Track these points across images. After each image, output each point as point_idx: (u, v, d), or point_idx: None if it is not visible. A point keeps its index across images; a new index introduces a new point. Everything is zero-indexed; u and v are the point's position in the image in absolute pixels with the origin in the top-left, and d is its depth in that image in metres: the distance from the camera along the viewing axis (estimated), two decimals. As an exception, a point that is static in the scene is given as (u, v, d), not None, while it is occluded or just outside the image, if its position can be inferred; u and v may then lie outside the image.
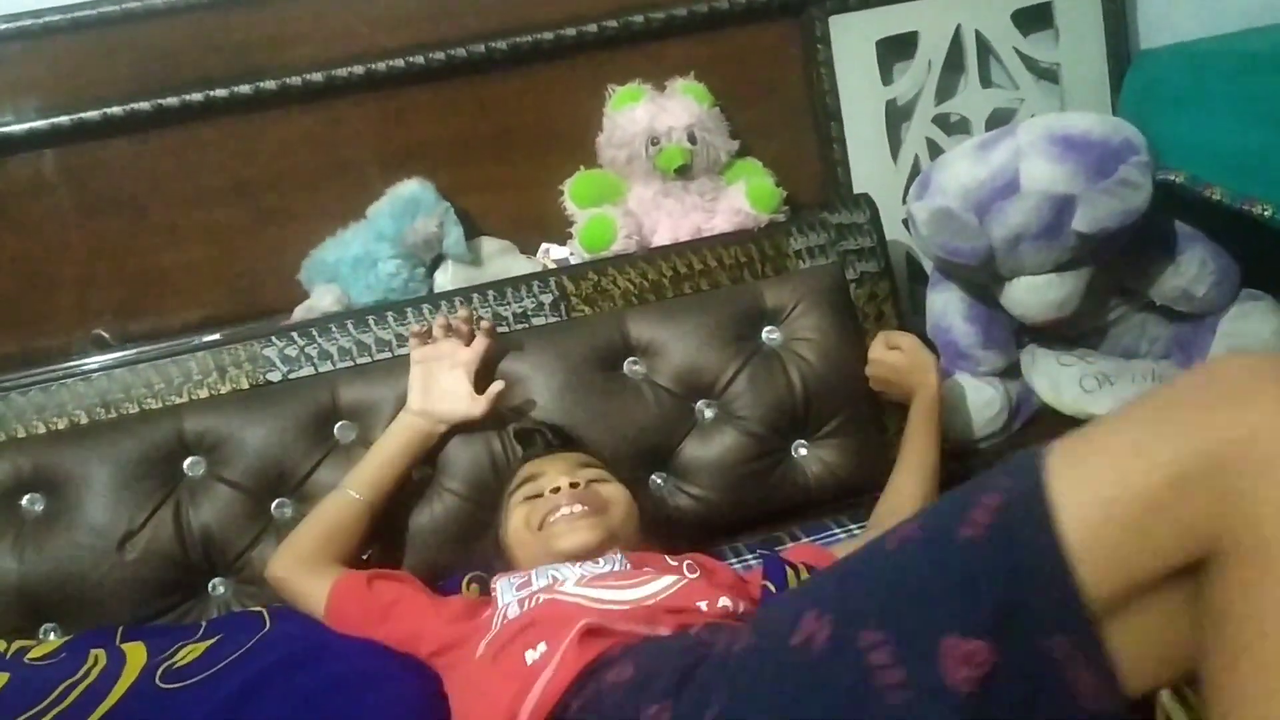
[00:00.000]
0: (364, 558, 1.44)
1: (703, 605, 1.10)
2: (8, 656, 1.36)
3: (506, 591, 1.21)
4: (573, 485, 1.31)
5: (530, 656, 1.04)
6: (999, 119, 1.90)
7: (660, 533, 1.41)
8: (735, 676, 0.82)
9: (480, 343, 1.51)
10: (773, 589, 1.17)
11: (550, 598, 1.14)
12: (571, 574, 1.19)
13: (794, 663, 0.77)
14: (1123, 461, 0.71)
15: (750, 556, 1.51)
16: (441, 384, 1.49)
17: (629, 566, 1.22)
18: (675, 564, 1.25)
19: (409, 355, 1.51)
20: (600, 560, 1.24)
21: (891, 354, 1.56)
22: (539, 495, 1.34)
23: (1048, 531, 0.70)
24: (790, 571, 1.20)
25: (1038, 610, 0.69)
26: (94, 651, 1.31)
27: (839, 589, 0.81)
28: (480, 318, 1.54)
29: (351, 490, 1.42)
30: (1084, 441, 0.74)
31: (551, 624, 1.07)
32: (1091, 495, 0.71)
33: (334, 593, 1.32)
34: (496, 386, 1.49)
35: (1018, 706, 0.69)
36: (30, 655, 1.35)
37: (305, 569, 1.37)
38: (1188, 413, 0.70)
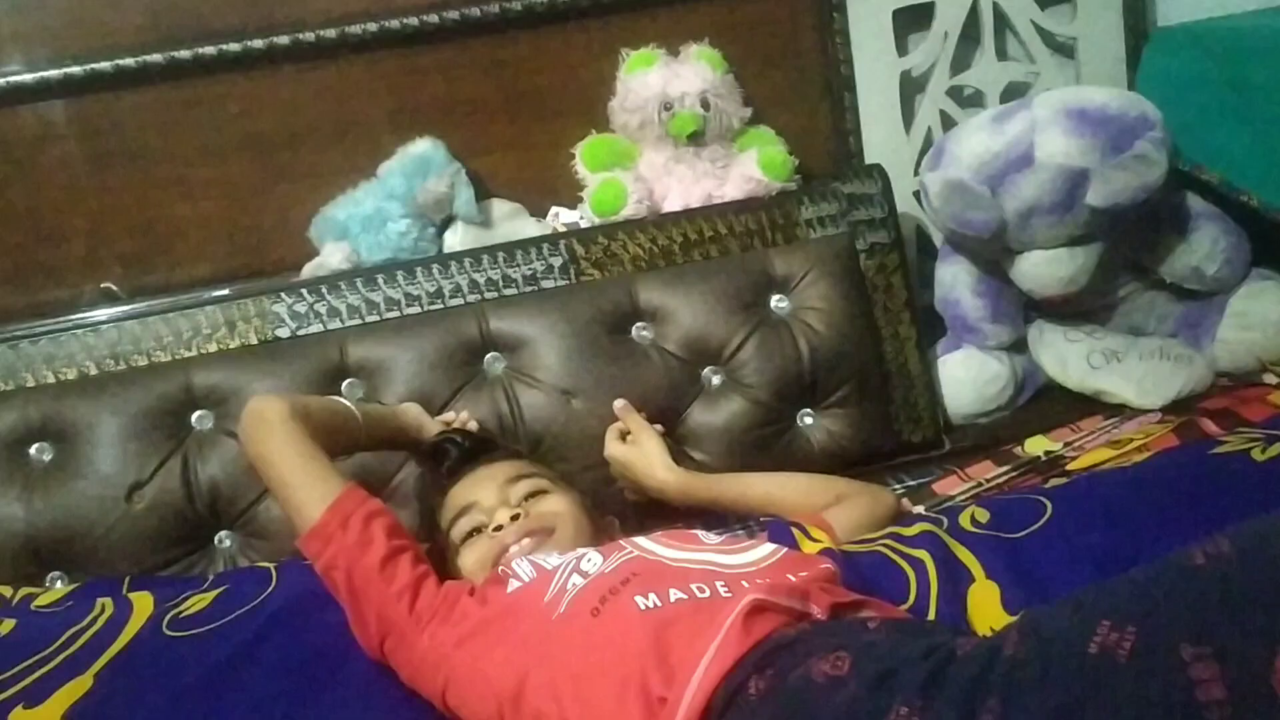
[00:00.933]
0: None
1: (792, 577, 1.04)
2: (14, 603, 1.37)
3: (546, 557, 1.15)
4: (513, 518, 1.24)
5: (643, 603, 0.97)
6: (1013, 93, 1.89)
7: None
8: (1012, 682, 0.74)
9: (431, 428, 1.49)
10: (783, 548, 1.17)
11: (639, 554, 1.09)
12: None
13: (1098, 669, 0.71)
14: None
15: (739, 527, 1.48)
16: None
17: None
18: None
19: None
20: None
21: (620, 449, 1.48)
22: (478, 530, 1.26)
23: None
24: (797, 532, 1.20)
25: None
26: (101, 600, 1.32)
27: (1139, 602, 0.75)
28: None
29: (358, 411, 1.38)
30: None
31: (657, 578, 1.02)
32: None
33: (341, 502, 1.17)
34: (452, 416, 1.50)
35: None
36: (37, 602, 1.36)
37: (304, 437, 1.23)
38: None
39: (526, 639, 1.02)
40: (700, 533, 1.16)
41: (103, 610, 1.30)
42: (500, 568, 1.17)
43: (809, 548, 1.18)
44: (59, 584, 1.44)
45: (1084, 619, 0.75)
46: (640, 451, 1.46)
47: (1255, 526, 0.74)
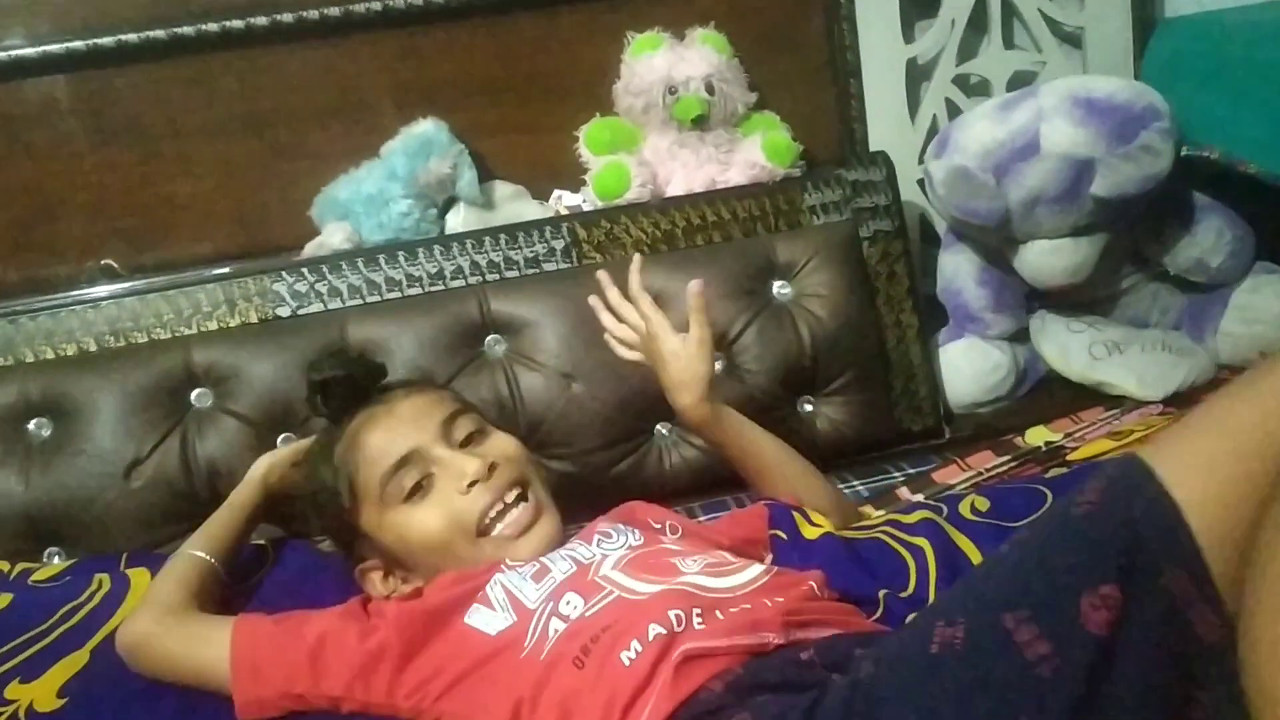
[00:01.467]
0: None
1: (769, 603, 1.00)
2: (11, 578, 1.37)
3: (522, 587, 1.06)
4: (490, 468, 1.13)
5: (626, 657, 0.93)
6: (1020, 82, 1.88)
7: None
8: (873, 704, 0.78)
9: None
10: (784, 537, 1.17)
11: (619, 595, 1.01)
12: (599, 554, 1.09)
13: (940, 667, 0.75)
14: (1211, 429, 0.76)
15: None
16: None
17: (641, 539, 1.14)
18: (658, 527, 1.19)
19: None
20: (607, 535, 1.14)
21: (669, 347, 1.32)
22: (424, 483, 1.12)
23: (1154, 482, 0.74)
24: (798, 515, 1.20)
25: (1155, 550, 0.72)
26: (98, 576, 1.33)
27: (961, 597, 0.81)
28: None
29: (199, 552, 1.20)
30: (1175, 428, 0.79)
31: (637, 620, 0.96)
32: (1190, 452, 0.75)
33: (239, 637, 1.07)
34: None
35: (1147, 645, 0.71)
36: (35, 577, 1.36)
37: (181, 619, 1.11)
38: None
39: (511, 687, 0.98)
40: (679, 560, 1.07)
41: (100, 586, 1.30)
42: (479, 591, 1.07)
43: (809, 532, 1.18)
44: (56, 559, 1.44)
45: (920, 626, 0.80)
46: (683, 364, 1.30)
47: (1051, 507, 0.83)
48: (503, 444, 1.19)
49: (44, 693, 1.12)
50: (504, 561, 1.10)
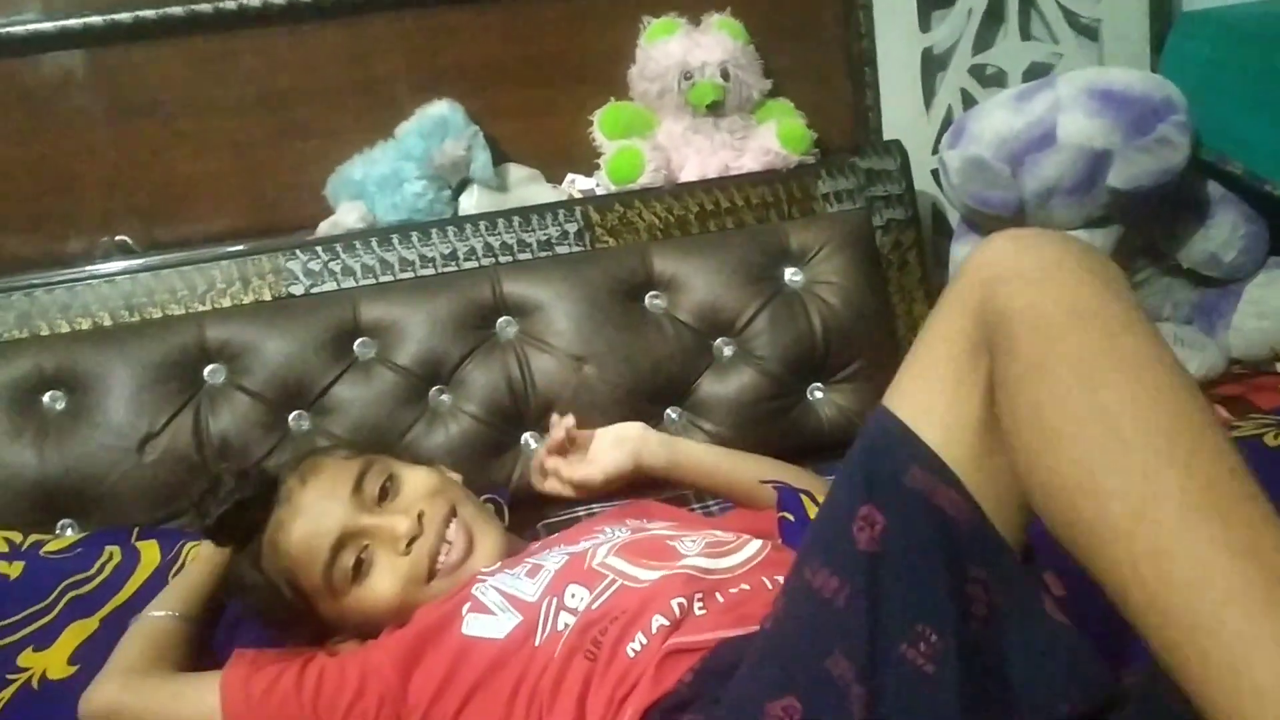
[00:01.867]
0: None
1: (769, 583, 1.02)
2: (24, 548, 1.38)
3: (517, 585, 1.06)
4: (419, 516, 1.12)
5: (632, 650, 0.94)
6: (1036, 73, 1.87)
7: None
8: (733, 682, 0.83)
9: None
10: (791, 518, 1.17)
11: (622, 584, 1.01)
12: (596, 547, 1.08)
13: (772, 637, 0.82)
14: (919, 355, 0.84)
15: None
16: None
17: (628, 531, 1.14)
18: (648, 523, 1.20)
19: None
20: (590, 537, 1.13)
21: (605, 453, 1.34)
22: (362, 559, 1.10)
23: (881, 409, 0.82)
24: (806, 498, 1.20)
25: (890, 458, 0.79)
26: (109, 548, 1.34)
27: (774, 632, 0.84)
28: None
29: (163, 611, 1.15)
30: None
31: (642, 610, 0.97)
32: (908, 377, 0.84)
33: (229, 692, 1.03)
34: None
35: (910, 541, 0.76)
36: (46, 549, 1.37)
37: (152, 683, 1.06)
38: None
39: (533, 693, 0.97)
40: (678, 543, 1.07)
41: (111, 558, 1.32)
42: (468, 604, 1.05)
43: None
44: (69, 532, 1.45)
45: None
46: (616, 443, 1.34)
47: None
48: (419, 483, 1.16)
49: (56, 661, 1.14)
50: (475, 575, 1.10)
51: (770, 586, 0.99)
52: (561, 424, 1.37)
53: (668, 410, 1.59)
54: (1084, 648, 0.76)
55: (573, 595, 1.02)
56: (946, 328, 0.82)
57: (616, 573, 1.03)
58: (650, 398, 1.57)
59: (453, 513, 1.15)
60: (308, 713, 1.02)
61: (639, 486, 1.36)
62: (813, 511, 1.19)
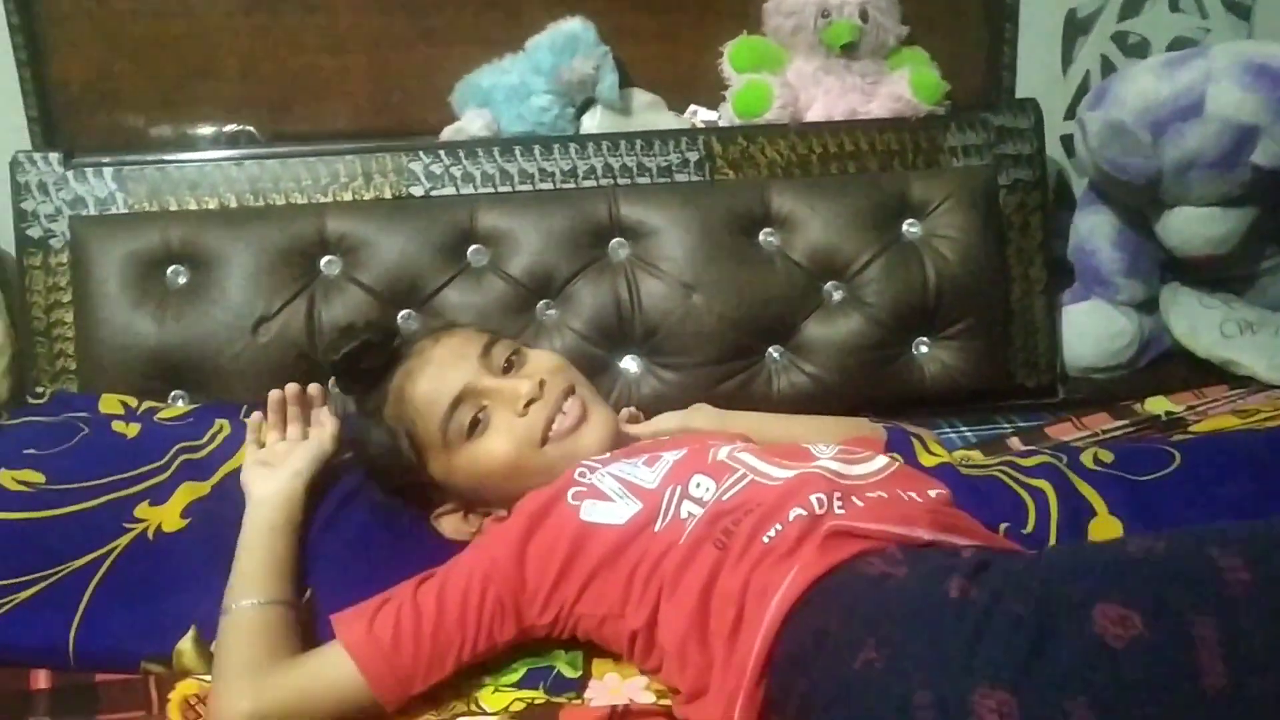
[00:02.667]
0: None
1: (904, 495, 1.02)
2: (139, 412, 1.42)
3: (635, 473, 1.06)
4: (541, 384, 1.14)
5: (766, 539, 0.94)
6: (1179, 47, 1.81)
7: None
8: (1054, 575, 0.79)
9: (330, 427, 1.23)
10: (899, 459, 1.16)
11: (753, 479, 1.02)
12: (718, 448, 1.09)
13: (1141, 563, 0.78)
14: None
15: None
16: (279, 454, 1.20)
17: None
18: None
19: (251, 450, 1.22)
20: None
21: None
22: (480, 417, 1.13)
23: None
24: (916, 442, 1.19)
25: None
26: (219, 420, 1.37)
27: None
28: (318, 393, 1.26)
29: (250, 599, 1.05)
30: None
31: (779, 506, 0.97)
32: None
33: (360, 654, 0.99)
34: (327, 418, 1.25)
35: None
36: (160, 415, 1.41)
37: (279, 677, 1.00)
38: None
39: (649, 578, 0.98)
40: (811, 447, 1.11)
41: (221, 429, 1.35)
42: (573, 489, 1.07)
43: (927, 460, 1.17)
44: (179, 403, 1.49)
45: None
46: (668, 417, 1.33)
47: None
48: (544, 360, 1.20)
49: (170, 514, 1.18)
50: (581, 462, 1.11)
51: (909, 501, 0.98)
52: (626, 411, 1.38)
53: (770, 349, 1.58)
54: None
55: (698, 485, 1.03)
56: None
57: (748, 467, 1.04)
58: (754, 333, 1.56)
59: (571, 389, 1.17)
60: (441, 636, 1.00)
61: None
62: (923, 456, 1.18)
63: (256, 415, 1.23)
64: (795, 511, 0.95)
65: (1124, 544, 0.81)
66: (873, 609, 0.83)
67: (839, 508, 0.96)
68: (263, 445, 1.21)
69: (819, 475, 1.01)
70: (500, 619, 1.02)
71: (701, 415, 1.33)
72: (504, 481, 1.14)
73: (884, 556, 0.88)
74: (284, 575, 1.08)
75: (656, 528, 1.01)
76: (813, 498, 0.96)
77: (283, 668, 1.00)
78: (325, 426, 1.22)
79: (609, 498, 1.05)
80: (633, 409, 1.39)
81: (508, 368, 1.18)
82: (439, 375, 1.15)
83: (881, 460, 1.08)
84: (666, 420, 1.32)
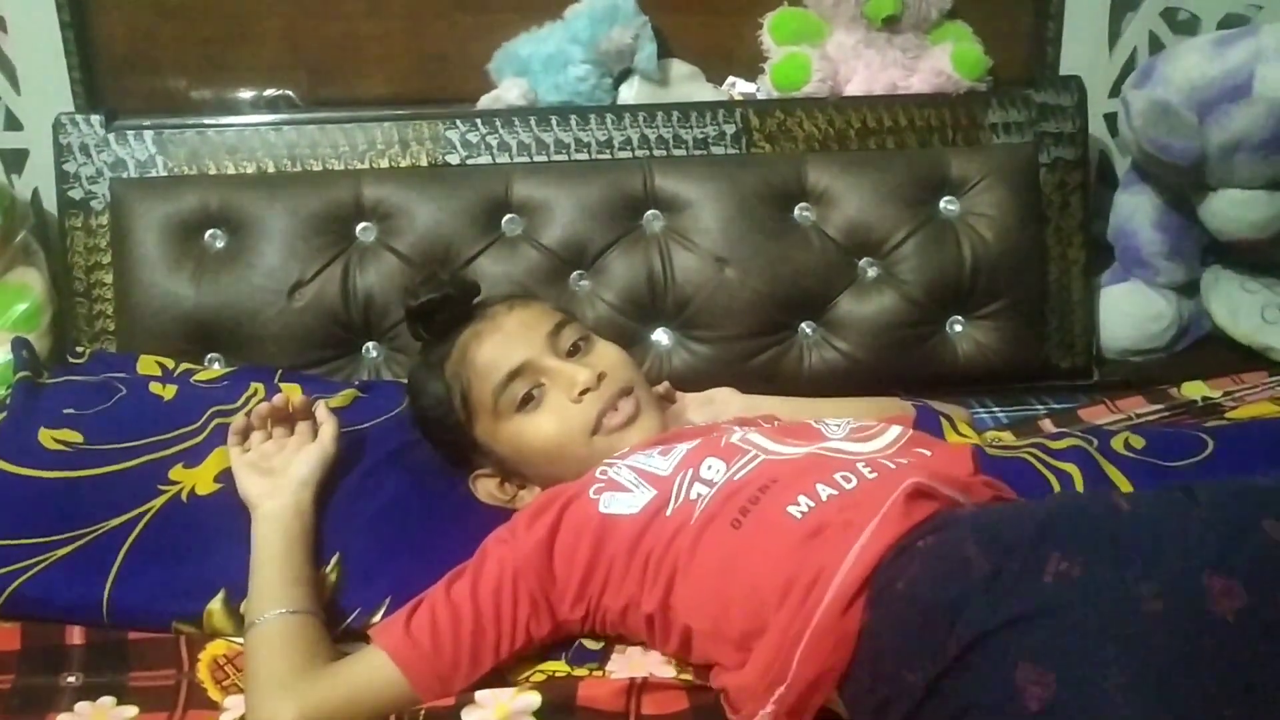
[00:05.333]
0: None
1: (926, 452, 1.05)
2: (176, 374, 1.44)
3: (649, 462, 1.07)
4: (600, 377, 1.15)
5: (796, 511, 0.94)
6: (1231, 25, 1.77)
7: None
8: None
9: (330, 427, 1.20)
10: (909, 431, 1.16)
11: (765, 458, 1.02)
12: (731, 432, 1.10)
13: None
14: None
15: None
16: (277, 461, 1.17)
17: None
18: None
19: (234, 452, 1.19)
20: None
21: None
22: (534, 393, 1.15)
23: None
24: (945, 422, 1.19)
25: None
26: (254, 384, 1.39)
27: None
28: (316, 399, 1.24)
29: (277, 610, 1.03)
30: None
31: (799, 479, 0.97)
32: None
33: (403, 658, 0.99)
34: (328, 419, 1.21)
35: None
36: (196, 377, 1.43)
37: (322, 685, 0.99)
38: None
39: (661, 561, 0.99)
40: (820, 426, 1.10)
41: (256, 393, 1.37)
42: (594, 485, 1.06)
43: (955, 440, 1.17)
44: (215, 365, 1.51)
45: None
46: (703, 402, 1.34)
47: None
48: (609, 353, 1.21)
49: (204, 478, 1.19)
50: (604, 461, 1.11)
51: (928, 454, 1.00)
52: (661, 387, 1.37)
53: (802, 324, 1.58)
54: None
55: (709, 467, 1.03)
56: None
57: (758, 447, 1.04)
58: (786, 309, 1.56)
59: (630, 389, 1.17)
60: (480, 636, 1.00)
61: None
62: (951, 436, 1.18)
63: (240, 420, 1.20)
64: (825, 490, 0.95)
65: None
66: (1029, 528, 0.81)
67: (870, 474, 0.96)
68: (247, 449, 1.18)
69: (839, 456, 1.01)
70: (535, 615, 1.02)
71: (731, 406, 1.32)
72: (544, 462, 1.15)
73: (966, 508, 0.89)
74: (307, 584, 1.07)
75: (668, 511, 1.01)
76: (837, 475, 0.96)
77: (322, 674, 0.99)
78: (326, 426, 1.20)
79: (626, 488, 1.05)
80: (667, 384, 1.39)
81: (573, 352, 1.19)
82: (505, 343, 1.17)
83: (894, 431, 1.08)
84: (697, 407, 1.32)
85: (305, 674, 0.98)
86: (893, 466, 0.99)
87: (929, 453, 1.04)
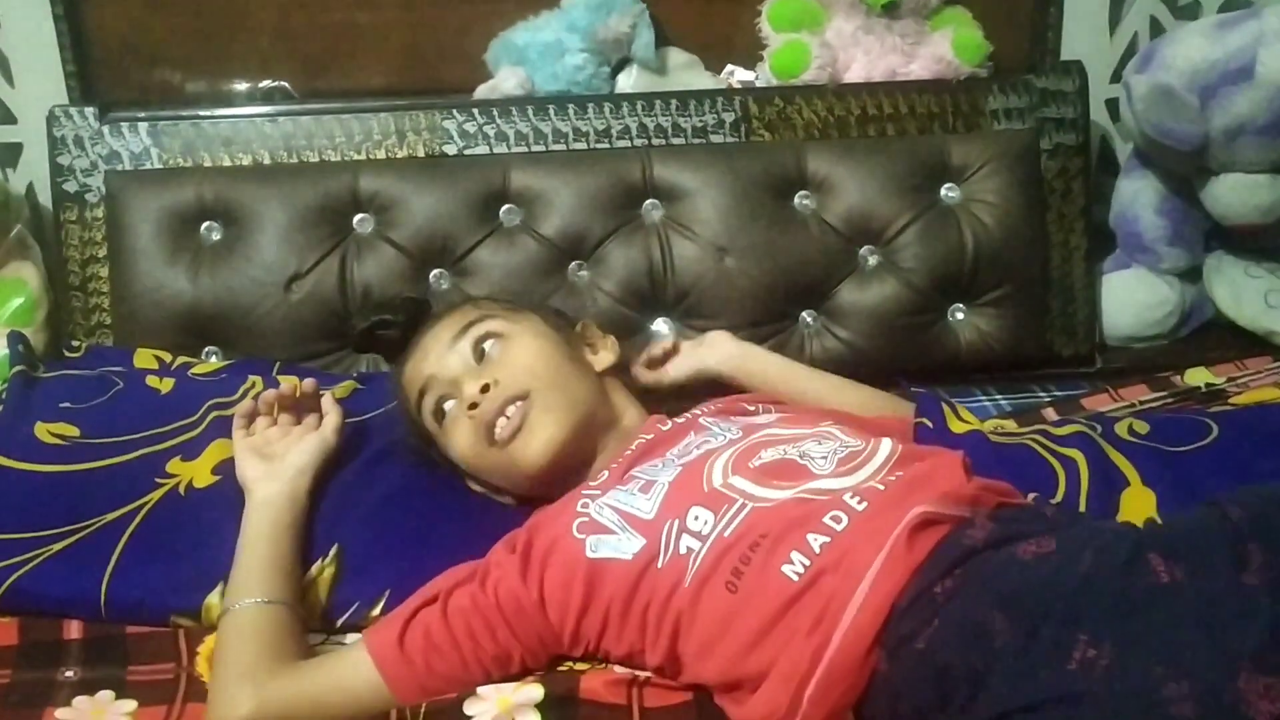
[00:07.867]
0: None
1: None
2: (173, 367, 1.43)
3: (631, 502, 1.02)
4: (483, 389, 1.10)
5: (791, 571, 0.91)
6: (1232, 8, 1.76)
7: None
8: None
9: (334, 418, 1.19)
10: (929, 424, 1.15)
11: (753, 506, 0.97)
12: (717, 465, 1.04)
13: None
14: None
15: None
16: (278, 448, 1.16)
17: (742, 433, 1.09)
18: (752, 409, 1.17)
19: (237, 438, 1.18)
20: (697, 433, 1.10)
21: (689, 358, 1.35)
22: (443, 405, 1.14)
23: None
24: (947, 408, 1.18)
25: None
26: (252, 377, 1.38)
27: None
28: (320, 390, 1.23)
29: (253, 599, 1.02)
30: None
31: (790, 531, 0.93)
32: None
33: (386, 662, 0.97)
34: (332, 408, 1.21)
35: None
36: (194, 370, 1.42)
37: (288, 680, 0.97)
38: None
39: (661, 618, 0.96)
40: (806, 462, 1.03)
41: (254, 386, 1.36)
42: (576, 520, 1.02)
43: (957, 426, 1.16)
44: (213, 358, 1.50)
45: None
46: (693, 346, 1.36)
47: None
48: (511, 354, 1.14)
49: (202, 470, 1.19)
50: (581, 490, 1.08)
51: (923, 466, 0.98)
52: (660, 345, 1.37)
53: (804, 313, 1.57)
54: None
55: (695, 518, 0.98)
56: None
57: (744, 495, 0.99)
58: (788, 297, 1.55)
59: (523, 395, 1.11)
60: (474, 666, 0.99)
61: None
62: (953, 422, 1.17)
63: (247, 404, 1.19)
64: (818, 540, 0.91)
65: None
66: (1060, 598, 0.79)
67: (858, 505, 0.94)
68: (252, 433, 1.18)
69: (828, 498, 0.96)
70: (531, 652, 1.00)
71: (720, 348, 1.34)
72: (483, 474, 1.15)
73: (976, 528, 0.87)
74: (288, 575, 1.05)
75: (660, 564, 0.97)
76: (826, 518, 0.93)
77: (288, 669, 0.97)
78: (329, 417, 1.19)
79: (611, 530, 1.01)
80: (666, 344, 1.37)
81: (480, 356, 1.15)
82: (418, 359, 1.17)
83: (884, 449, 1.03)
84: (681, 367, 1.32)
85: (270, 667, 0.97)
86: (882, 488, 0.96)
87: (923, 465, 1.00)
